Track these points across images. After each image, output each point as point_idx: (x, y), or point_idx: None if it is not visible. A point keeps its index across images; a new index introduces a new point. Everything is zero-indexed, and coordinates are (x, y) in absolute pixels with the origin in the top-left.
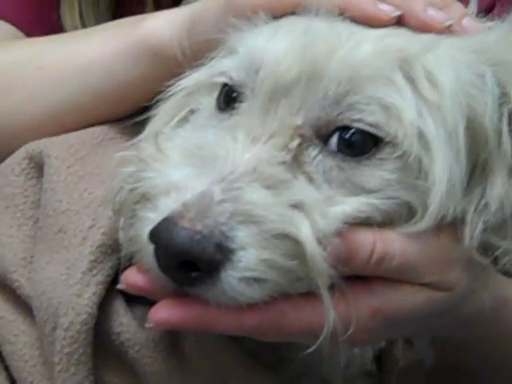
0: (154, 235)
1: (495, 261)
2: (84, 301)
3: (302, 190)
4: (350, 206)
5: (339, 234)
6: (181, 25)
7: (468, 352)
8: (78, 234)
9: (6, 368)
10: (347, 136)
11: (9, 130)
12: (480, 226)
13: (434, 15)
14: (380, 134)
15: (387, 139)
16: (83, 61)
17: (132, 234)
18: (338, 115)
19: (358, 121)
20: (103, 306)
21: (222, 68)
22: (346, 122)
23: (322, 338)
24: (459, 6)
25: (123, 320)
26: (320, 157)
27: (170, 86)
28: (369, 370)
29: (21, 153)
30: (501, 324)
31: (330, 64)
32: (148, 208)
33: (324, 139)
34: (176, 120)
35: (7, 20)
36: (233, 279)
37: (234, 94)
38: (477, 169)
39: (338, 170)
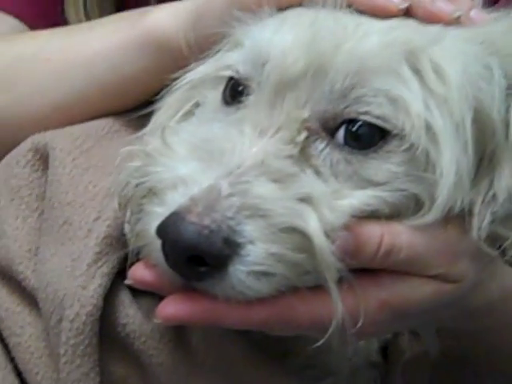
0: (162, 230)
1: (503, 252)
2: (89, 292)
3: (309, 183)
4: (357, 199)
5: (347, 227)
6: (186, 17)
7: (476, 343)
8: (83, 226)
9: (12, 360)
10: (354, 129)
11: (14, 122)
12: (488, 218)
13: (442, 6)
14: (387, 126)
15: (394, 132)
16: (88, 53)
17: (139, 229)
18: (344, 108)
19: (365, 113)
20: (109, 298)
21: (227, 61)
22: (353, 115)
23: (330, 331)
24: None
25: (129, 311)
26: (327, 150)
27: (175, 78)
28: (374, 361)
29: (26, 145)
30: (509, 314)
31: (336, 57)
32: (155, 202)
33: (331, 132)
34: (181, 113)
35: (11, 13)
36: (241, 273)
37: (240, 88)
38: (484, 160)
39: (345, 163)
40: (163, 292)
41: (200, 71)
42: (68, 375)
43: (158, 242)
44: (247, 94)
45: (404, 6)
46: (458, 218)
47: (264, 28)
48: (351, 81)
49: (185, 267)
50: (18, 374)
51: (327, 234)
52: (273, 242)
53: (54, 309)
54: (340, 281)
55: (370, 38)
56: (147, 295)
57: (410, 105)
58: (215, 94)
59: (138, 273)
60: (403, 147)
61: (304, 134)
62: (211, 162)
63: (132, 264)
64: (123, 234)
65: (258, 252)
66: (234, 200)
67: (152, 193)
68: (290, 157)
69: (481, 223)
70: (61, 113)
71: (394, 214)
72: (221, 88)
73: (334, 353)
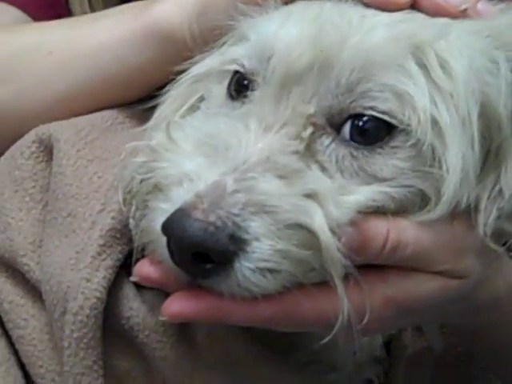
0: (167, 227)
1: (509, 248)
2: (93, 285)
3: (315, 179)
4: (363, 195)
5: (353, 223)
6: (191, 9)
7: (481, 338)
8: (87, 218)
9: (16, 352)
10: (360, 124)
11: (18, 114)
12: (494, 213)
13: None
14: (393, 121)
15: (400, 127)
16: (92, 44)
17: (144, 225)
18: (350, 103)
19: (371, 108)
20: (113, 291)
21: (233, 55)
22: (359, 110)
23: (336, 327)
24: None
25: (133, 304)
26: (333, 145)
27: (179, 71)
28: (378, 356)
29: (30, 136)
30: None
31: (342, 51)
32: (160, 198)
33: (337, 127)
34: (186, 107)
35: (14, 4)
36: (247, 270)
37: (246, 82)
38: (490, 155)
39: (351, 159)
40: (169, 289)
41: (205, 65)
42: (71, 368)
43: (163, 239)
44: (253, 89)
45: None
46: (464, 213)
47: (269, 21)
48: (357, 75)
49: (190, 264)
50: (22, 366)
51: (333, 231)
52: (278, 238)
53: (58, 301)
54: (346, 277)
55: (375, 32)
56: (151, 289)
57: (416, 100)
58: (220, 88)
59: (144, 270)
60: (409, 142)
61: (310, 130)
62: (216, 157)
63: (137, 260)
64: (127, 227)
65: (263, 248)
66: (239, 196)
67: (157, 189)
68: (296, 152)
69: (487, 219)
70: (64, 104)
71: (399, 209)
72: (226, 82)
73: (339, 349)
